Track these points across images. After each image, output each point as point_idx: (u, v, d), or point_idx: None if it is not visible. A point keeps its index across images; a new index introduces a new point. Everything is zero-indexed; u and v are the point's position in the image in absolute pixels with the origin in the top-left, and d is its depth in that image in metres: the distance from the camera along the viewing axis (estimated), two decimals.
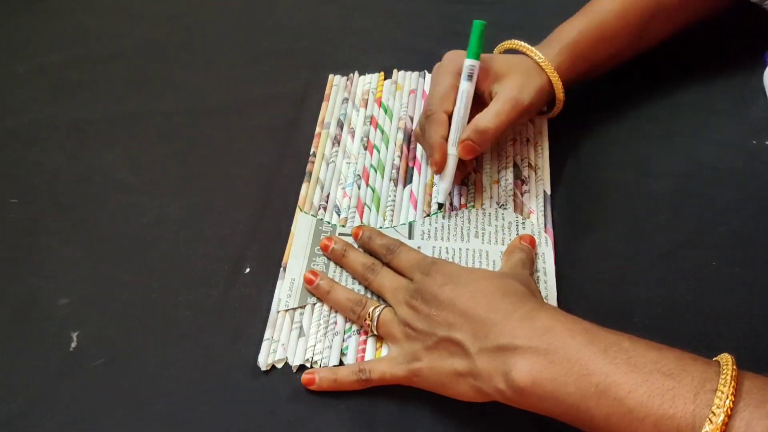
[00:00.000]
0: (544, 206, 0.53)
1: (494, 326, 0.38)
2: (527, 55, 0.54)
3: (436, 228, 0.51)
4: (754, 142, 0.56)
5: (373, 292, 0.47)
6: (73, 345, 0.46)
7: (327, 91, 0.62)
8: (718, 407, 0.32)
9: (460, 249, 0.50)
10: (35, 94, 0.64)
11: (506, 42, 0.56)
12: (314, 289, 0.48)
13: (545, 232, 0.51)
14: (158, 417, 0.43)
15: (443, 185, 0.51)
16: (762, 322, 0.46)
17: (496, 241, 0.50)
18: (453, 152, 0.50)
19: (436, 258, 0.47)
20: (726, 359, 0.34)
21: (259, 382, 0.44)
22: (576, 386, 0.35)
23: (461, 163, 0.52)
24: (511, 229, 0.51)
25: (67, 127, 0.61)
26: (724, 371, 0.33)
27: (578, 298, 0.48)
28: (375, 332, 0.45)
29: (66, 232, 0.53)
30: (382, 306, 0.45)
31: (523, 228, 0.51)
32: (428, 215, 0.52)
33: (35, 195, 0.56)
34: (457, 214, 0.52)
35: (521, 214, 0.52)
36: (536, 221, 0.51)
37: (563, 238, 0.51)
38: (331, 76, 0.64)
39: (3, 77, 0.66)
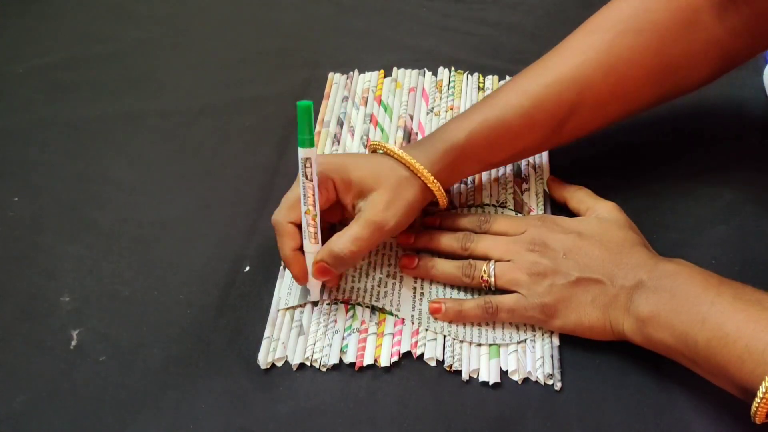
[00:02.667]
0: (544, 204, 0.53)
1: (630, 269, 0.43)
2: (401, 162, 0.46)
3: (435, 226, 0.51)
4: (754, 141, 0.56)
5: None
6: (74, 343, 0.46)
7: (327, 90, 0.63)
8: None
9: None
10: (34, 93, 0.64)
11: (377, 143, 0.48)
12: (416, 270, 0.48)
13: None
14: (158, 415, 0.43)
15: (314, 284, 0.47)
16: None
17: None
18: (310, 250, 0.45)
19: (541, 214, 0.50)
20: None
21: (260, 379, 0.44)
22: (687, 315, 0.39)
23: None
24: None
25: (66, 127, 0.61)
26: None
27: None
28: (494, 287, 0.46)
29: (66, 231, 0.53)
30: (493, 261, 0.46)
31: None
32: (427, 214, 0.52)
33: (36, 194, 0.56)
34: (456, 213, 0.52)
35: (521, 212, 0.52)
36: None
37: None
38: (330, 74, 0.64)
39: (2, 77, 0.66)
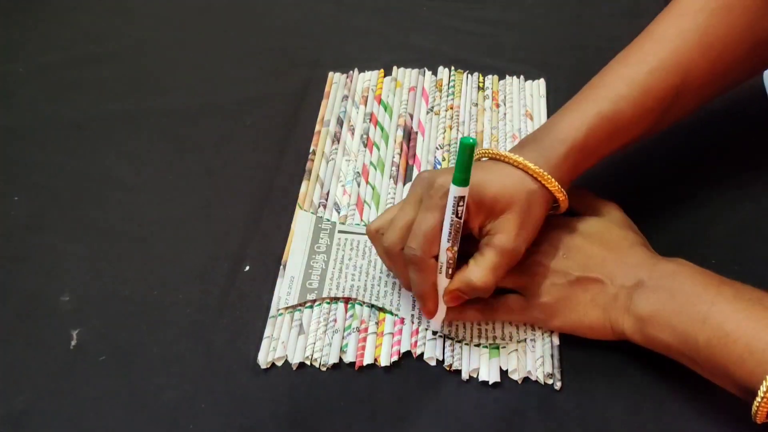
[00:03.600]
0: None
1: (630, 269, 0.43)
2: (527, 173, 0.43)
3: None
4: (754, 140, 0.56)
5: None
6: (74, 343, 0.46)
7: (327, 89, 0.62)
8: None
9: None
10: (35, 93, 0.64)
11: (495, 152, 0.44)
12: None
13: None
14: (159, 414, 0.43)
15: (438, 316, 0.45)
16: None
17: None
18: (444, 284, 0.43)
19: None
20: None
21: (260, 379, 0.44)
22: (688, 315, 0.39)
23: None
24: None
25: (67, 126, 0.61)
26: None
27: None
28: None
29: (67, 230, 0.53)
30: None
31: None
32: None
33: (36, 193, 0.56)
34: None
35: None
36: None
37: None
38: (330, 73, 0.64)
39: (3, 76, 0.66)
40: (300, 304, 0.47)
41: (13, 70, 0.66)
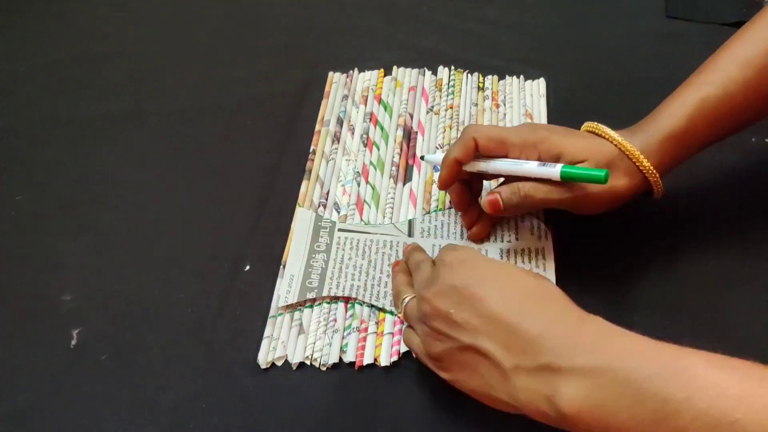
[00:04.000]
0: None
1: (533, 341, 0.33)
2: (619, 148, 0.43)
3: (436, 225, 0.51)
4: (753, 140, 0.56)
5: None
6: (74, 342, 0.46)
7: (327, 89, 0.63)
8: None
9: None
10: (37, 92, 0.64)
11: (594, 125, 0.45)
12: (394, 275, 0.46)
13: (545, 229, 0.51)
14: (159, 413, 0.43)
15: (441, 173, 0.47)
16: (762, 318, 0.46)
17: (496, 239, 0.50)
18: (475, 167, 0.45)
19: (457, 245, 0.45)
20: None
21: (260, 379, 0.44)
22: (629, 413, 0.31)
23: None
24: (510, 226, 0.51)
25: (68, 125, 0.61)
26: None
27: (578, 294, 0.47)
28: (402, 319, 0.43)
29: (68, 230, 0.53)
30: (412, 295, 0.42)
31: (522, 222, 0.51)
32: (428, 212, 0.52)
33: (38, 192, 0.56)
34: (457, 213, 0.52)
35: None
36: (537, 218, 0.51)
37: (563, 235, 0.51)
38: (330, 73, 0.64)
39: (5, 76, 0.66)
40: (300, 304, 0.47)
41: (13, 69, 0.66)
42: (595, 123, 0.45)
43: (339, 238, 0.51)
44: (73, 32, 0.70)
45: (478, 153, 0.46)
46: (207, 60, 0.67)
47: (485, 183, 0.51)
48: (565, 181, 0.42)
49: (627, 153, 0.43)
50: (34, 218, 0.54)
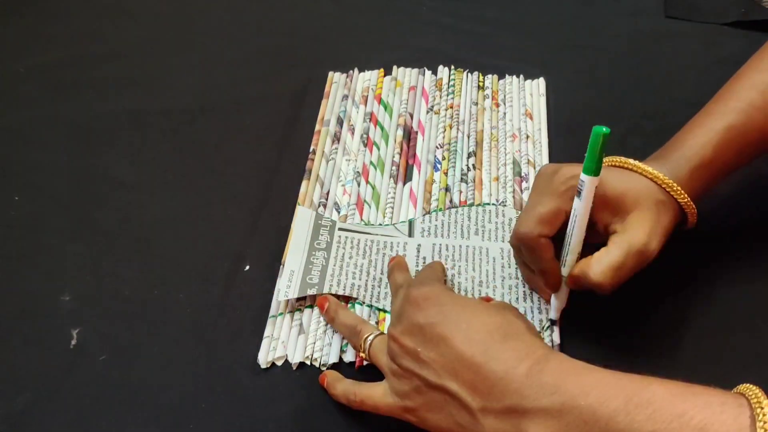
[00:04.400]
0: None
1: (498, 381, 0.34)
2: (653, 181, 0.42)
3: (436, 225, 0.51)
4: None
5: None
6: (74, 342, 0.46)
7: (327, 89, 0.63)
8: None
9: (461, 246, 0.50)
10: (36, 92, 0.64)
11: (622, 160, 0.43)
12: (325, 314, 0.46)
13: None
14: (159, 413, 0.43)
15: (558, 303, 0.45)
16: (762, 317, 0.46)
17: (496, 238, 0.50)
18: (565, 273, 0.43)
19: (425, 278, 0.43)
20: (756, 397, 0.31)
21: (260, 378, 0.44)
22: None
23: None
24: (511, 226, 0.51)
25: (67, 126, 0.61)
26: (760, 416, 0.29)
27: (578, 295, 0.48)
28: (367, 360, 0.42)
29: (67, 230, 0.53)
30: (377, 333, 0.42)
31: None
32: (428, 212, 0.52)
33: (37, 193, 0.56)
34: (457, 211, 0.52)
35: (521, 211, 0.52)
36: None
37: None
38: (330, 73, 0.64)
39: (4, 76, 0.66)
40: (300, 303, 0.47)
41: (13, 70, 0.66)
42: (621, 157, 0.43)
43: (339, 236, 0.51)
44: (72, 32, 0.70)
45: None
46: (207, 60, 0.67)
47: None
48: (597, 173, 0.39)
49: (664, 186, 0.42)
50: (33, 218, 0.54)
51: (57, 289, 0.49)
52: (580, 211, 0.40)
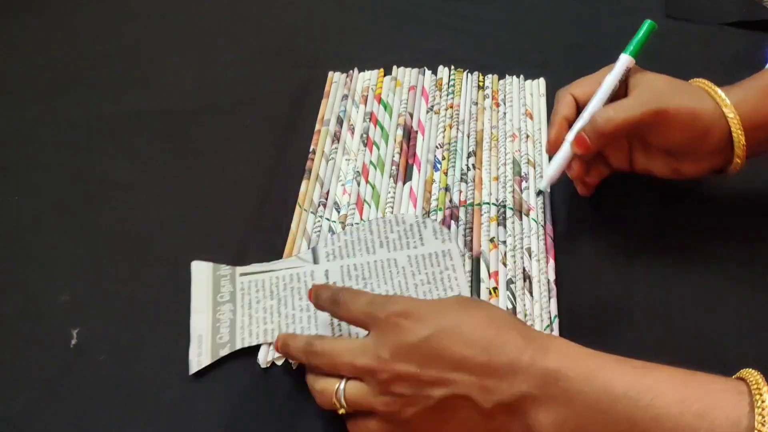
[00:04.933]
0: (544, 203, 0.53)
1: (506, 375, 0.34)
2: (718, 104, 0.44)
3: (339, 246, 0.50)
4: None
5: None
6: (74, 342, 0.46)
7: (327, 88, 0.62)
8: None
9: (368, 263, 0.49)
10: (34, 92, 0.64)
11: (703, 82, 0.46)
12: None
13: (545, 228, 0.51)
14: (159, 413, 0.43)
15: (549, 171, 0.48)
16: (762, 316, 0.46)
17: (401, 246, 0.50)
18: (570, 138, 0.47)
19: (388, 296, 0.41)
20: (756, 383, 0.31)
21: (260, 379, 0.44)
22: (613, 427, 0.32)
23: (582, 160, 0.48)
24: (413, 232, 0.50)
25: (66, 126, 0.61)
26: (758, 403, 0.30)
27: (578, 295, 0.48)
28: (350, 411, 0.38)
29: (66, 230, 0.53)
30: (343, 381, 0.38)
31: (425, 228, 0.50)
32: (331, 232, 0.51)
33: (36, 193, 0.56)
34: (357, 228, 0.51)
35: (521, 211, 0.52)
36: (536, 218, 0.51)
37: (563, 235, 0.51)
38: (330, 73, 0.64)
39: (2, 76, 0.66)
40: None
41: (12, 69, 0.66)
42: (704, 80, 0.46)
43: (242, 282, 0.48)
44: (71, 32, 0.70)
45: (579, 110, 0.48)
46: (206, 59, 0.67)
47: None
48: (635, 56, 0.46)
49: (723, 106, 0.43)
50: (32, 218, 0.54)
51: (57, 288, 0.49)
52: (607, 82, 0.46)
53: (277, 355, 0.45)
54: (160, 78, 0.65)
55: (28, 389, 0.44)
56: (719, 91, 0.44)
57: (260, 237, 0.52)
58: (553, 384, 0.33)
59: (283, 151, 0.58)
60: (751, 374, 0.32)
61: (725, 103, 0.43)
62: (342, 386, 0.38)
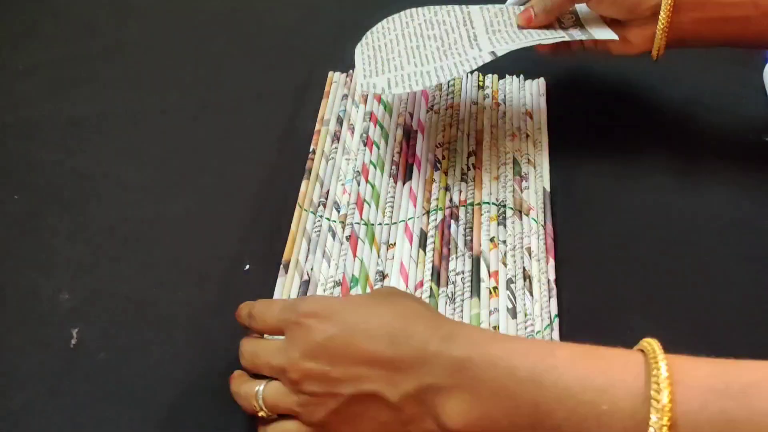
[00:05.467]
0: (544, 203, 0.53)
1: (410, 366, 0.34)
2: None
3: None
4: (752, 138, 0.56)
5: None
6: (74, 341, 0.46)
7: (327, 88, 0.62)
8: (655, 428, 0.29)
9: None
10: (34, 90, 0.64)
11: None
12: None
13: (545, 228, 0.51)
14: (159, 413, 0.43)
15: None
16: (761, 315, 0.46)
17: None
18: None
19: (300, 298, 0.42)
20: (652, 351, 0.31)
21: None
22: (509, 421, 0.32)
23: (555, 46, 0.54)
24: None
25: (66, 124, 0.61)
26: (654, 371, 0.30)
27: (578, 294, 0.48)
28: (270, 415, 0.38)
29: (66, 229, 0.53)
30: (265, 381, 0.39)
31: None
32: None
33: (36, 191, 0.56)
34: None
35: (521, 210, 0.52)
36: (536, 218, 0.51)
37: (563, 234, 0.51)
38: (330, 73, 0.64)
39: (2, 74, 0.66)
40: None
41: (11, 67, 0.66)
42: None
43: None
44: (71, 30, 0.70)
45: None
46: (206, 59, 0.67)
47: None
48: None
49: None
50: (31, 217, 0.54)
51: (56, 287, 0.49)
52: None
53: None
54: (159, 76, 0.65)
55: (28, 388, 0.44)
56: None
57: (260, 236, 0.52)
58: (459, 372, 0.33)
59: (283, 151, 0.58)
60: (650, 344, 0.32)
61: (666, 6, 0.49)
62: (261, 388, 0.38)
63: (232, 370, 0.44)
